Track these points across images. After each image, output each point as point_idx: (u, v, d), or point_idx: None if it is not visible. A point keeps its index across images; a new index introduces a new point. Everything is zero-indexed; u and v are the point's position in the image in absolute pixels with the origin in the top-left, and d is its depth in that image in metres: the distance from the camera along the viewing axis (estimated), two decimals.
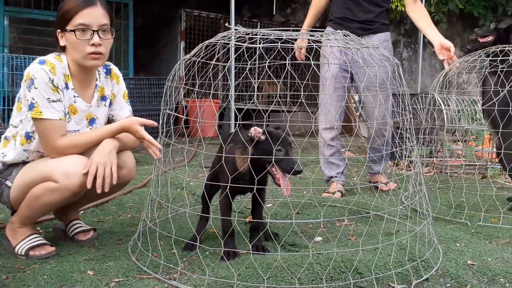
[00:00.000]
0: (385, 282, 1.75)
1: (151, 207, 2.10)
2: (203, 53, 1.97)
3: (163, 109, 2.05)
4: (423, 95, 4.72)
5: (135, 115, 2.25)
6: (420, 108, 4.62)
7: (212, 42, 2.00)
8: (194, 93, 2.01)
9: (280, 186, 1.83)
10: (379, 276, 1.76)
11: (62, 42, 2.02)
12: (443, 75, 3.23)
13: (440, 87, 3.36)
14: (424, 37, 6.81)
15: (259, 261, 1.81)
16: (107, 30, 2.03)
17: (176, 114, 2.04)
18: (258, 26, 8.43)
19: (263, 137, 1.84)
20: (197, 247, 1.92)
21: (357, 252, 1.88)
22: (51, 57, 2.00)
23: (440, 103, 4.08)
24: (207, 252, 2.04)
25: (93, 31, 1.98)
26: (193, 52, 2.02)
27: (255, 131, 1.84)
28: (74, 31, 1.96)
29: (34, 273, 1.80)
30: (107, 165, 1.95)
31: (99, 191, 1.94)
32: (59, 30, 2.02)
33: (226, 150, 1.91)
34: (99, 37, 1.99)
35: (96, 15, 1.99)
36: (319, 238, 2.24)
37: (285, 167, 1.80)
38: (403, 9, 7.85)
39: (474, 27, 9.14)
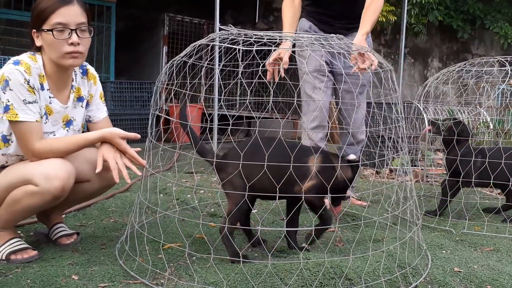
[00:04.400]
0: None
1: (138, 210, 2.06)
2: (192, 54, 1.95)
3: (152, 110, 2.02)
4: (405, 104, 4.77)
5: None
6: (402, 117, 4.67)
7: (203, 43, 1.98)
8: (182, 96, 1.98)
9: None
10: (369, 283, 1.75)
11: (38, 42, 1.96)
12: (425, 85, 3.28)
13: (420, 97, 3.41)
14: (404, 47, 6.88)
15: (248, 267, 1.79)
16: (85, 29, 1.98)
17: (166, 116, 2.00)
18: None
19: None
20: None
21: (345, 259, 1.87)
22: (25, 57, 1.94)
23: (422, 112, 4.13)
24: (194, 258, 2.01)
25: (71, 30, 1.93)
26: (183, 53, 1.99)
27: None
28: (51, 30, 1.91)
29: (17, 278, 1.74)
30: (117, 158, 1.96)
31: (117, 180, 1.95)
32: (34, 30, 1.96)
33: (319, 161, 1.96)
34: (78, 35, 1.94)
35: (73, 14, 1.94)
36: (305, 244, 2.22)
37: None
38: (384, 20, 7.98)
39: (452, 39, 9.29)
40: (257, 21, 9.46)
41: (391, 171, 4.85)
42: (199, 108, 7.27)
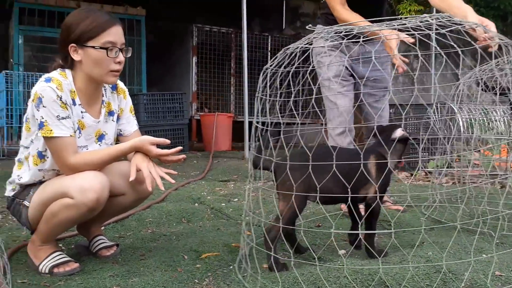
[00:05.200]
0: None
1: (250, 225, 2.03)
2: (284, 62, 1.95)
3: (255, 121, 2.01)
4: (439, 105, 4.70)
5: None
6: (436, 118, 4.60)
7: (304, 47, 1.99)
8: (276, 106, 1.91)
9: None
10: None
11: (76, 57, 2.01)
12: (458, 84, 3.22)
13: (454, 96, 3.35)
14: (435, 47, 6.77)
15: (286, 275, 1.80)
16: (125, 49, 2.07)
17: (266, 128, 1.96)
18: (269, 40, 8.48)
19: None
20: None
21: (382, 265, 1.85)
22: (56, 74, 2.00)
23: (456, 113, 4.05)
24: (231, 267, 2.03)
25: (119, 49, 2.02)
26: (277, 60, 2.00)
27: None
28: (106, 49, 1.98)
29: None
30: (150, 167, 2.01)
31: (150, 189, 2.00)
32: (73, 45, 2.00)
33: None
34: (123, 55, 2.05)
35: (120, 34, 2.03)
36: (342, 251, 2.21)
37: None
38: None
39: None
40: (284, 27, 9.49)
41: (426, 173, 4.78)
42: (229, 116, 7.33)
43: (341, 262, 1.90)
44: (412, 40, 2.24)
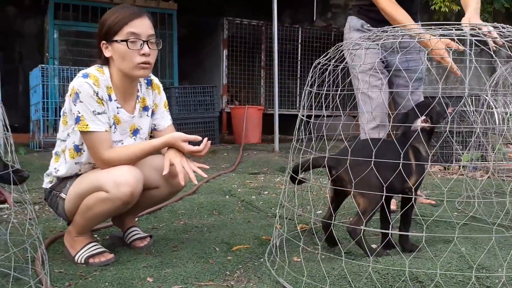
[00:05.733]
0: None
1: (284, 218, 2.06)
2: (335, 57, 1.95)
3: (300, 114, 2.02)
4: (473, 97, 4.60)
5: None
6: (470, 110, 4.50)
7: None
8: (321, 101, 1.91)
9: None
10: (440, 285, 1.72)
11: (107, 53, 2.05)
12: (494, 76, 3.15)
13: (489, 88, 3.27)
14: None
15: (316, 269, 1.80)
16: (154, 41, 2.06)
17: (308, 119, 1.96)
18: (300, 32, 8.43)
19: None
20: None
21: (415, 260, 1.84)
22: (93, 70, 2.04)
23: (493, 105, 3.96)
24: (262, 260, 2.05)
25: (143, 41, 2.02)
26: (328, 56, 1.98)
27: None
28: (126, 41, 2.00)
29: (96, 280, 1.84)
30: (183, 161, 2.04)
31: (183, 183, 2.04)
32: (104, 42, 2.05)
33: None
34: (148, 47, 2.03)
35: (145, 26, 2.03)
36: (374, 246, 2.20)
37: None
38: (447, 10, 7.71)
39: None
40: (315, 19, 9.41)
41: (461, 167, 4.69)
42: (259, 109, 7.34)
43: (373, 257, 1.89)
44: (459, 74, 2.26)
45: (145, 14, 2.05)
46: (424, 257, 1.91)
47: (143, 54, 2.02)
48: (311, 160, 1.96)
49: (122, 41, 2.00)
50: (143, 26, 2.02)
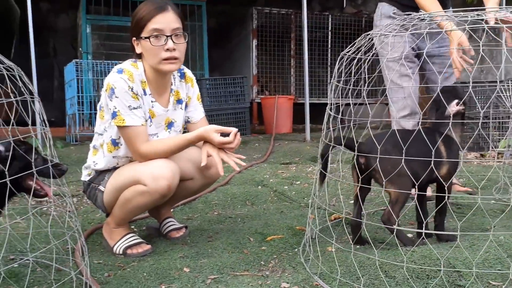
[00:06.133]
0: (484, 280, 1.68)
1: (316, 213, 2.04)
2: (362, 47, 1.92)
3: (328, 108, 2.01)
4: (510, 81, 4.48)
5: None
6: (507, 96, 4.39)
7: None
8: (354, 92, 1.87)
9: None
10: (478, 274, 1.69)
11: (138, 50, 2.08)
12: None
13: None
14: None
15: (351, 260, 1.80)
16: (180, 34, 2.07)
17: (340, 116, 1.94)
18: (329, 19, 8.34)
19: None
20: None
21: (452, 250, 1.82)
22: (127, 65, 2.07)
23: None
24: (296, 250, 2.06)
25: (167, 36, 2.03)
26: (354, 47, 1.94)
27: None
28: (148, 38, 2.02)
29: (134, 271, 1.88)
30: (221, 152, 2.06)
31: (221, 173, 2.06)
32: (134, 38, 2.08)
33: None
34: (173, 41, 2.04)
35: (168, 20, 2.03)
36: (410, 235, 2.18)
37: None
38: None
39: None
40: (345, 5, 9.29)
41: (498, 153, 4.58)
42: (290, 98, 7.31)
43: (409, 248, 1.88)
44: (471, 61, 2.20)
45: (169, 7, 2.05)
46: (461, 247, 1.88)
47: (168, 49, 2.03)
48: (345, 139, 1.93)
49: (146, 38, 2.03)
50: (166, 20, 2.03)
